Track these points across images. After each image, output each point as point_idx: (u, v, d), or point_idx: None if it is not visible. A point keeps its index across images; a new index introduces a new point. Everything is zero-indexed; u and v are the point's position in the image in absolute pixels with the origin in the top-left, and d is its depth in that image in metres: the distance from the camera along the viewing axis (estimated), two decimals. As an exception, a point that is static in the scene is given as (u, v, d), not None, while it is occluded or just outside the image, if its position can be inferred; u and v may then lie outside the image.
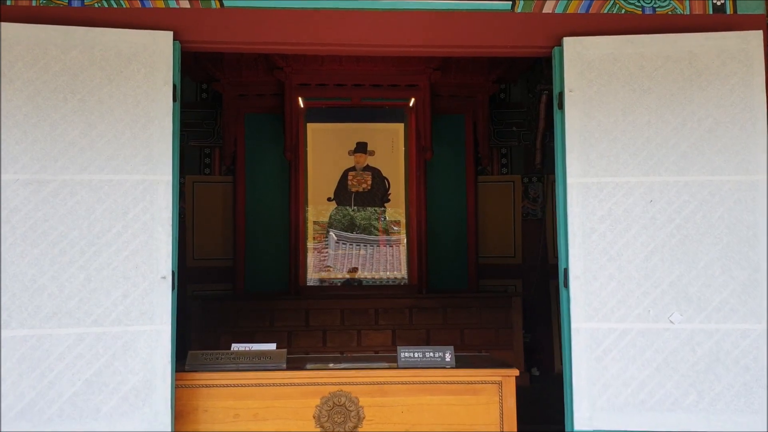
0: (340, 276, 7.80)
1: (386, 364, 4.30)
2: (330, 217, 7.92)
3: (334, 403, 3.99)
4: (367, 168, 8.04)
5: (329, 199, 7.93)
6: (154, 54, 3.91)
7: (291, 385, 4.00)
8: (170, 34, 3.96)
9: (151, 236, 3.81)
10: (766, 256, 3.84)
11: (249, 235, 7.84)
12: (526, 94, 8.51)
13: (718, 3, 4.17)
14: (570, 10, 4.17)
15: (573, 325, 3.89)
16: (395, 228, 7.93)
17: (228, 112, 7.84)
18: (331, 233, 7.87)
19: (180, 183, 4.68)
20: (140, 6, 4.02)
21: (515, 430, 3.96)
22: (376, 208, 7.98)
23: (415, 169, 7.85)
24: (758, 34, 3.98)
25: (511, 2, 4.16)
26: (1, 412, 3.58)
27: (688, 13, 4.17)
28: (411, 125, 7.87)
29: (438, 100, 7.93)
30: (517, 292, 8.12)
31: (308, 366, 4.32)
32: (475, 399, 3.99)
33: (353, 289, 7.72)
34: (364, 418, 3.97)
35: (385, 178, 8.02)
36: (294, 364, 4.29)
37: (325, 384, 4.01)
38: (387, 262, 7.89)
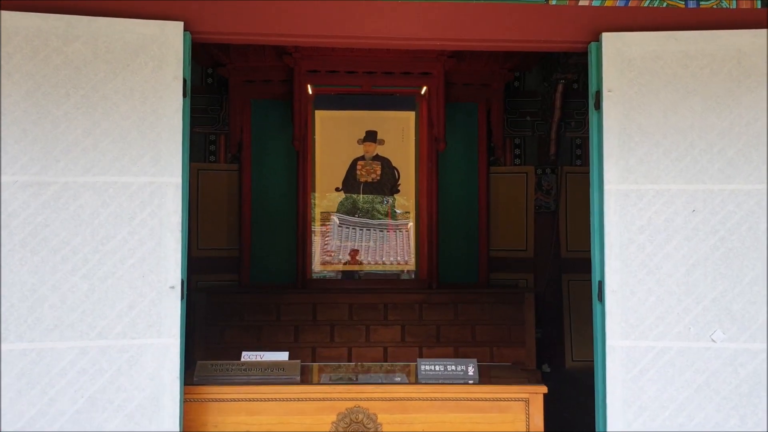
0: (342, 261, 7.57)
1: (406, 378, 4.11)
2: (338, 208, 7.70)
3: (351, 419, 3.81)
4: (377, 157, 7.79)
5: (337, 189, 7.71)
6: (163, 46, 3.66)
7: (306, 400, 3.83)
8: (180, 24, 3.70)
9: (159, 243, 3.59)
10: (816, 271, 3.62)
11: (255, 225, 7.63)
12: (541, 83, 8.24)
13: (767, -4, 3.92)
14: (608, 3, 3.92)
15: (608, 343, 3.67)
16: (398, 211, 7.70)
17: (234, 99, 7.59)
18: (333, 217, 7.65)
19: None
20: (148, -7, 3.75)
21: (543, 450, 3.79)
22: (383, 196, 7.76)
23: (426, 159, 7.60)
24: (812, 32, 3.72)
25: (544, -7, 3.91)
26: None
27: (735, 7, 3.91)
28: (422, 113, 7.62)
29: (451, 87, 7.67)
30: (529, 287, 7.94)
31: (323, 379, 4.12)
32: (500, 417, 3.83)
33: (361, 283, 7.52)
34: (382, 436, 3.79)
35: (395, 168, 7.78)
36: (307, 376, 4.10)
37: (342, 399, 3.84)
38: (392, 249, 7.67)
